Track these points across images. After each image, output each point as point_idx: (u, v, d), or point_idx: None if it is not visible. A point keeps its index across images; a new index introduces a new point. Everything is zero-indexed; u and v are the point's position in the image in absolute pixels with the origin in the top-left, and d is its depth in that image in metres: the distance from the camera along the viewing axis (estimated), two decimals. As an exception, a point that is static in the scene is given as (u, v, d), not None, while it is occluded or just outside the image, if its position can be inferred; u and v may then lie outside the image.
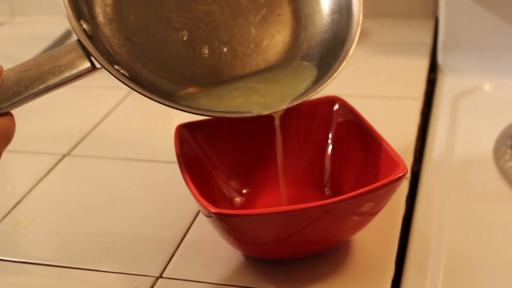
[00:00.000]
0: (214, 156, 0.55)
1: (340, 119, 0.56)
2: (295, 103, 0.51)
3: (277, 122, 0.52)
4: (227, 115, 0.50)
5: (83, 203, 0.60)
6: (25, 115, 0.78)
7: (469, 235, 0.53)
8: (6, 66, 0.87)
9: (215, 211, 0.44)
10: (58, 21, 0.99)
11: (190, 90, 0.53)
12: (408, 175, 0.60)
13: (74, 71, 0.45)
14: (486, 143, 0.65)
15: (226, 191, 0.55)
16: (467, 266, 0.50)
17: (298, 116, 0.57)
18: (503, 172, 0.60)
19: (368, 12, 0.94)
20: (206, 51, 0.54)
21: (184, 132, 0.54)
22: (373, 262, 0.50)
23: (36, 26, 1.07)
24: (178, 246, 0.54)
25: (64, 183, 0.64)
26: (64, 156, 0.68)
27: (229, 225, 0.46)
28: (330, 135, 0.57)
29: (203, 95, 0.52)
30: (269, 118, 0.53)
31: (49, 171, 0.65)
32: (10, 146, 0.72)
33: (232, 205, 0.55)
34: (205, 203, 0.45)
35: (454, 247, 0.52)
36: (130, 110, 0.77)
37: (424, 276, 0.49)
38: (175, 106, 0.48)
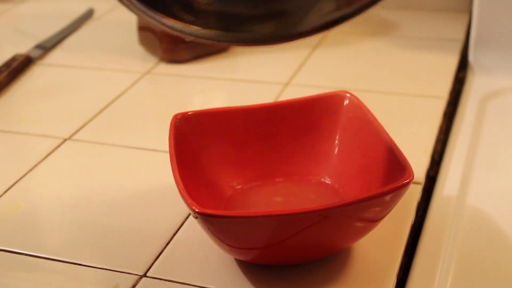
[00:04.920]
0: (212, 148, 0.52)
1: (349, 116, 0.52)
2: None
3: None
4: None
5: (74, 191, 0.57)
6: (30, 96, 0.76)
7: (485, 249, 0.49)
8: (27, 44, 0.85)
9: (199, 210, 0.41)
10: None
11: None
12: (421, 179, 0.55)
13: None
14: (512, 149, 0.60)
15: (222, 187, 0.51)
16: (477, 284, 0.46)
17: (304, 110, 0.53)
18: (527, 182, 0.55)
19: (398, 4, 0.91)
20: None
21: (181, 122, 0.51)
22: (373, 273, 0.46)
23: (58, 3, 1.04)
24: (167, 243, 0.50)
25: (60, 170, 0.61)
26: (65, 140, 0.65)
27: (215, 226, 0.42)
28: (337, 134, 0.52)
29: None
30: (271, 110, 0.49)
31: (46, 156, 0.63)
32: (9, 127, 0.69)
33: (226, 202, 0.51)
34: (190, 200, 0.42)
35: (465, 263, 0.47)
36: (140, 95, 0.74)
37: (427, 293, 0.45)
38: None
